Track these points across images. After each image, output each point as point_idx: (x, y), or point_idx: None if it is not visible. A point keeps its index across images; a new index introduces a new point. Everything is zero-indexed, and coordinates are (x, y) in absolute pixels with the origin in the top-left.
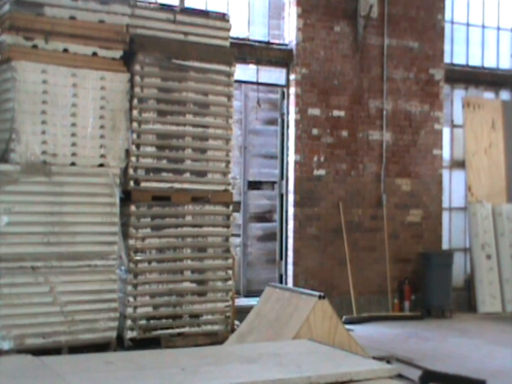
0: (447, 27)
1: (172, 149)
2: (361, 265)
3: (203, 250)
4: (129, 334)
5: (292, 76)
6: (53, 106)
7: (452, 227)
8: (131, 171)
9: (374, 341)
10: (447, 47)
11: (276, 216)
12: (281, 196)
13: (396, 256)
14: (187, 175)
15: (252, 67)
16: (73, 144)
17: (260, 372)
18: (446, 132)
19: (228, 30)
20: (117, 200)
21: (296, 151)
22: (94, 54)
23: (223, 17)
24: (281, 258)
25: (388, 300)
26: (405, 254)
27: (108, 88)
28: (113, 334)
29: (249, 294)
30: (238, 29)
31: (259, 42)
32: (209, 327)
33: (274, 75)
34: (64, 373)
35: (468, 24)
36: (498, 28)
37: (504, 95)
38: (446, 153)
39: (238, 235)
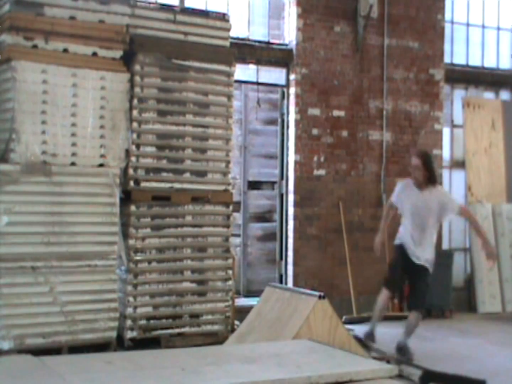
0: (447, 27)
1: (172, 149)
2: (361, 265)
3: (203, 250)
4: (129, 334)
5: (292, 76)
6: (53, 106)
7: (452, 227)
8: (131, 171)
9: None
10: (447, 47)
11: (276, 216)
12: (281, 196)
13: None
14: (187, 175)
15: (252, 67)
16: (73, 144)
17: (260, 372)
18: (446, 132)
19: (228, 30)
20: (117, 200)
21: (296, 151)
22: (94, 54)
23: (223, 17)
24: (281, 258)
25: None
26: None
27: (108, 88)
28: (113, 334)
29: (249, 294)
30: (238, 29)
31: (259, 42)
32: (209, 327)
33: (274, 75)
34: (64, 373)
35: (468, 24)
36: (498, 28)
37: (504, 95)
38: (446, 153)
39: (238, 235)
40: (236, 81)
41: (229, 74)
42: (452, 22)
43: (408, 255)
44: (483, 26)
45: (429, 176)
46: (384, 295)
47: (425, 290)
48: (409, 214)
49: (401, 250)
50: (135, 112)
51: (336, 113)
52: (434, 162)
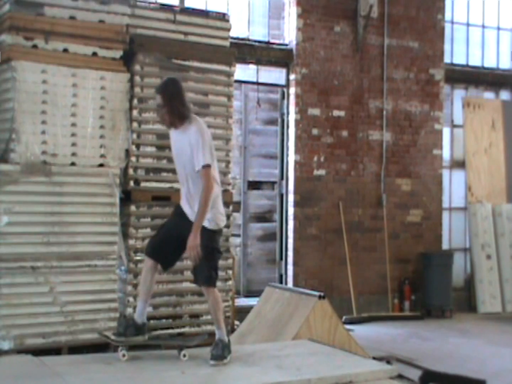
0: (447, 27)
1: None
2: (361, 265)
3: None
4: None
5: (292, 76)
6: (53, 106)
7: (452, 227)
8: (131, 171)
9: (374, 341)
10: (447, 47)
11: (276, 216)
12: (281, 196)
13: (396, 256)
14: None
15: (252, 67)
16: (73, 144)
17: (260, 375)
18: (446, 132)
19: (228, 30)
20: (117, 200)
21: (296, 151)
22: (94, 54)
23: (223, 17)
24: (281, 258)
25: (388, 300)
26: (405, 254)
27: (108, 88)
28: None
29: (249, 294)
30: (238, 29)
31: (259, 42)
32: (209, 327)
33: (274, 75)
34: (64, 373)
35: (468, 24)
36: (498, 28)
37: (504, 95)
38: (446, 153)
39: (238, 235)
40: (236, 81)
41: (229, 74)
42: (452, 22)
43: (186, 214)
44: (483, 26)
45: (177, 112)
46: (144, 266)
47: (211, 256)
48: (176, 164)
49: (178, 210)
50: (135, 112)
51: (336, 113)
52: (181, 89)
